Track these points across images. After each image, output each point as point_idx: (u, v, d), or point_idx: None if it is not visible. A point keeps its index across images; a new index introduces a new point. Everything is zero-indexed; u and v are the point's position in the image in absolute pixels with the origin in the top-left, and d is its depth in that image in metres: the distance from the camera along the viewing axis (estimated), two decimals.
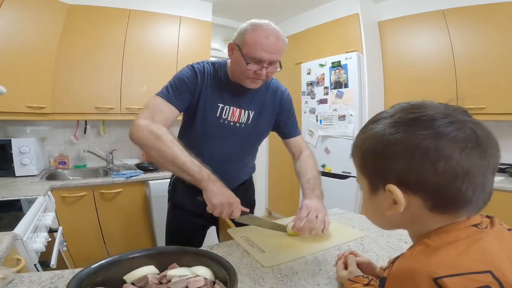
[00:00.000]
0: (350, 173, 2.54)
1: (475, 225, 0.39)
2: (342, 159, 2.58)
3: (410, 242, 0.45)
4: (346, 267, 0.70)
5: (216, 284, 0.60)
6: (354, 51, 2.54)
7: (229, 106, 1.11)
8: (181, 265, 0.67)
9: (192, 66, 1.10)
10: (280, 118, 1.22)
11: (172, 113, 1.03)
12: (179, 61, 2.62)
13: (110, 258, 0.61)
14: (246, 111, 1.14)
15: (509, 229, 0.42)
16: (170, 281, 0.60)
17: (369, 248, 0.90)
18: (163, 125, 0.97)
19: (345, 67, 2.53)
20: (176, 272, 0.63)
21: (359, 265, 0.70)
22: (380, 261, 0.81)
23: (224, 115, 1.11)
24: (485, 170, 0.38)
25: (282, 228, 1.02)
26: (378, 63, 2.73)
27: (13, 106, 1.92)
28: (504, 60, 2.08)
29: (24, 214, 1.22)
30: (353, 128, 2.50)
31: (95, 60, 2.30)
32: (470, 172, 0.37)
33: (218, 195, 0.89)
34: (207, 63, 1.12)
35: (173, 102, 1.04)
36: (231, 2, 2.90)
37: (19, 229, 1.06)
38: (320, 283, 0.70)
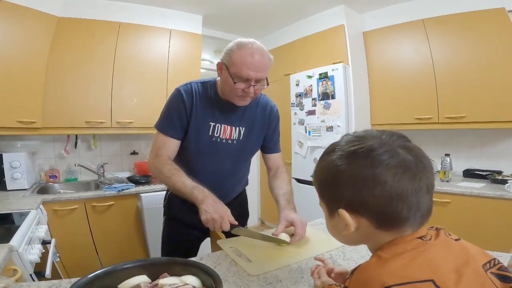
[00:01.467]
0: None
1: (420, 237, 0.44)
2: None
3: None
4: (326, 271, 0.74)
5: None
6: (340, 62, 2.60)
7: (220, 124, 1.16)
8: (171, 275, 0.71)
9: (178, 90, 1.15)
10: (267, 133, 1.27)
11: (172, 144, 1.15)
12: (170, 74, 2.64)
13: (105, 269, 0.65)
14: (237, 128, 1.19)
15: (456, 239, 0.47)
16: None
17: (349, 256, 0.95)
18: (168, 155, 1.13)
19: (331, 79, 2.59)
20: (166, 281, 0.67)
21: (339, 274, 0.74)
22: None
23: (216, 133, 1.16)
24: (417, 190, 0.44)
25: (270, 239, 1.06)
26: (364, 74, 2.80)
27: (4, 121, 1.93)
28: (482, 68, 2.17)
29: (17, 227, 1.26)
30: None
31: (85, 73, 2.31)
32: (403, 194, 0.43)
33: (209, 211, 0.97)
34: (195, 83, 1.17)
35: (169, 134, 1.14)
36: (221, 14, 2.95)
37: (14, 241, 1.11)
38: None
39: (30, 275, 1.13)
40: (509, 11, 2.09)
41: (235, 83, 1.03)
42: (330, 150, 0.51)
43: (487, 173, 2.24)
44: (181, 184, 1.05)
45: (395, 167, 0.43)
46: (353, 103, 2.62)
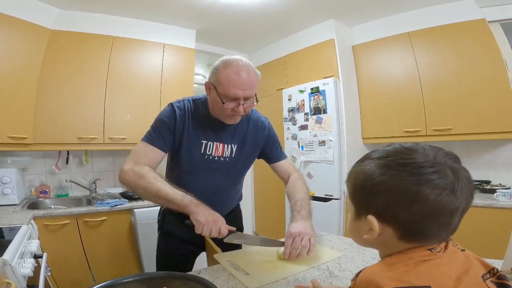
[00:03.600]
0: (332, 195, 2.62)
1: (430, 249, 0.46)
2: (324, 183, 2.65)
3: None
4: None
5: None
6: (331, 76, 2.64)
7: (212, 142, 1.15)
8: None
9: (172, 105, 1.14)
10: (265, 146, 1.28)
11: (156, 155, 1.10)
12: (163, 88, 2.64)
13: (104, 283, 0.65)
14: (229, 145, 1.18)
15: (462, 250, 0.49)
16: None
17: (346, 267, 0.96)
18: (148, 165, 1.06)
19: (323, 93, 2.61)
20: None
21: None
22: None
23: (208, 151, 1.16)
24: (453, 212, 0.44)
25: (271, 243, 1.06)
26: (354, 88, 2.84)
27: None
28: (465, 80, 2.23)
29: (8, 241, 1.24)
30: (332, 153, 2.59)
31: (78, 88, 2.29)
32: (438, 214, 0.44)
33: (203, 214, 0.96)
34: (188, 100, 1.16)
35: (155, 144, 1.10)
36: (214, 29, 2.99)
37: (7, 255, 1.09)
38: None
39: None
40: (489, 22, 2.18)
41: (223, 103, 1.02)
42: (373, 156, 0.50)
43: (476, 183, 2.29)
44: (169, 189, 1.00)
45: (441, 188, 0.43)
46: (344, 117, 2.64)
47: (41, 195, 2.40)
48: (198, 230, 0.96)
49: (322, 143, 2.66)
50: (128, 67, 2.51)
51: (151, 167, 1.07)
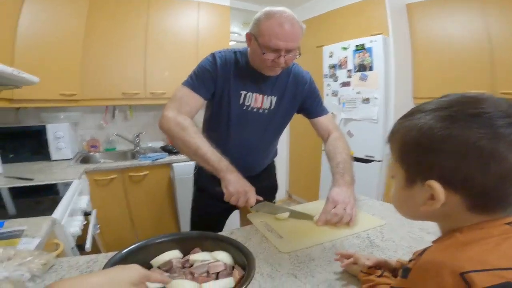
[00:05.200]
0: (373, 157, 2.48)
1: (509, 223, 0.38)
2: (366, 143, 2.52)
3: (433, 233, 0.45)
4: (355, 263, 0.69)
5: (235, 269, 0.63)
6: (379, 34, 2.41)
7: (251, 93, 1.13)
8: (203, 250, 0.71)
9: (213, 54, 1.12)
10: (305, 101, 1.23)
11: (197, 102, 1.09)
12: (200, 47, 2.64)
13: (139, 243, 0.66)
14: (269, 97, 1.15)
15: None
16: (192, 265, 0.65)
17: (389, 237, 0.89)
18: (189, 115, 1.06)
19: (369, 50, 2.44)
20: (198, 256, 0.67)
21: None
22: (399, 251, 0.81)
23: (247, 102, 1.13)
24: None
25: (301, 216, 1.03)
26: (407, 47, 2.58)
27: (47, 94, 2.03)
28: None
29: (61, 197, 1.30)
30: (377, 111, 2.42)
31: (120, 47, 2.36)
32: None
33: (234, 184, 0.95)
34: (229, 51, 1.14)
35: (198, 91, 1.08)
36: None
37: (57, 213, 1.13)
38: (336, 271, 0.72)
39: (72, 248, 1.17)
40: None
41: (264, 53, 0.98)
42: (426, 108, 0.41)
43: None
44: (208, 149, 0.98)
45: None
46: (393, 75, 2.45)
47: (92, 149, 2.58)
48: (226, 199, 0.96)
49: (366, 100, 2.50)
50: (165, 26, 2.52)
51: (192, 115, 1.07)
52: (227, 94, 1.11)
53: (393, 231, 0.93)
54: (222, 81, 1.10)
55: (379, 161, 2.46)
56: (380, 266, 0.66)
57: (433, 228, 0.68)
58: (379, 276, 0.61)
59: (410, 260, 0.42)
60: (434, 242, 0.45)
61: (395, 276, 0.64)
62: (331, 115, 1.28)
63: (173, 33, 2.55)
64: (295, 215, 1.04)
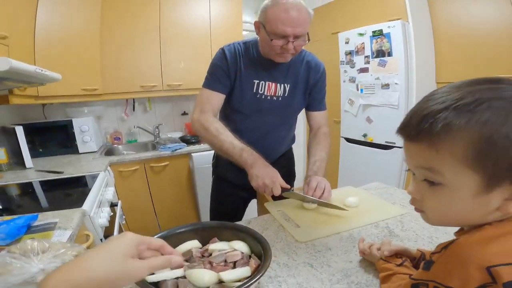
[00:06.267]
0: (394, 143, 2.42)
1: None
2: (386, 129, 2.46)
3: None
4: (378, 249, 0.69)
5: (251, 259, 0.65)
6: (398, 19, 2.32)
7: (264, 81, 1.15)
8: (221, 239, 0.73)
9: (222, 49, 1.15)
10: (312, 90, 1.23)
11: (217, 98, 1.14)
12: (213, 37, 2.64)
13: (161, 233, 0.69)
14: (282, 85, 1.17)
15: None
16: (211, 254, 0.67)
17: (409, 226, 0.88)
18: (212, 112, 1.12)
19: (388, 36, 2.36)
20: (216, 246, 0.69)
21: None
22: (420, 241, 0.80)
23: (261, 90, 1.15)
24: None
25: (327, 205, 1.00)
26: (427, 32, 2.46)
27: (71, 89, 2.12)
28: None
29: (89, 189, 1.36)
30: (398, 97, 2.34)
31: (135, 42, 2.40)
32: None
33: (260, 176, 0.96)
34: (238, 43, 1.17)
35: (214, 88, 1.13)
36: None
37: (86, 205, 1.17)
38: (352, 260, 0.72)
39: (101, 239, 1.22)
40: None
41: (272, 40, 1.00)
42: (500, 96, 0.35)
43: None
44: (229, 144, 1.04)
45: None
46: (415, 61, 2.35)
47: (115, 141, 2.68)
48: (255, 189, 1.00)
49: (386, 86, 2.42)
50: (177, 18, 2.53)
51: (215, 112, 1.14)
52: (239, 84, 1.14)
53: (414, 221, 0.91)
54: (234, 72, 1.13)
55: (400, 147, 2.40)
56: (401, 255, 0.65)
57: None
58: (399, 265, 0.61)
59: (434, 253, 0.41)
60: (457, 233, 0.44)
61: (414, 265, 0.63)
62: (327, 112, 1.31)
63: (185, 24, 2.56)
64: (324, 205, 1.01)
